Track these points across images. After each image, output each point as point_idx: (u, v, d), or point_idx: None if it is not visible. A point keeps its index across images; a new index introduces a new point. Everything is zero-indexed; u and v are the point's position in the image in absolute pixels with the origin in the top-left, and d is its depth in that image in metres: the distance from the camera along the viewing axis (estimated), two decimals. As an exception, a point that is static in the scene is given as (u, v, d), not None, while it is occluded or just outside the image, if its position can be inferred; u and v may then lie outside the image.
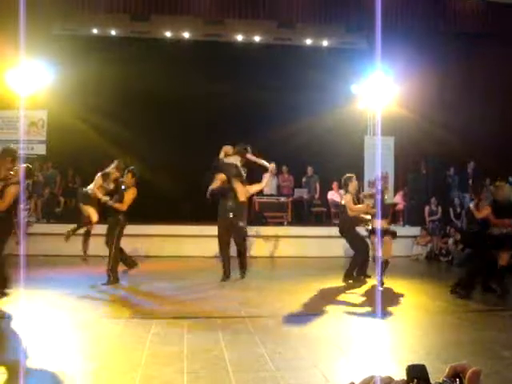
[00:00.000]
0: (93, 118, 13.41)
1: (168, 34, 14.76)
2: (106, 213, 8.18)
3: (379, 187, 8.66)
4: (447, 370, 0.94)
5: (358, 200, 8.76)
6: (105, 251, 7.95)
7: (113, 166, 8.28)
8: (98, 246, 8.42)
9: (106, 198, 7.93)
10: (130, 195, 7.91)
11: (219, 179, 8.48)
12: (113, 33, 14.62)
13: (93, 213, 8.22)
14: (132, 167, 8.22)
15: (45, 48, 12.78)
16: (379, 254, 8.19)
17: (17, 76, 12.40)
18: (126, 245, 11.19)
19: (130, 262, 8.39)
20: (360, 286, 8.25)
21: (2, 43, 11.72)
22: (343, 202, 8.70)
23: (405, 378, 0.95)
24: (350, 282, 8.42)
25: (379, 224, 8.24)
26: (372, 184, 13.17)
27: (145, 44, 14.54)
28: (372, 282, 8.52)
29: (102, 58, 13.51)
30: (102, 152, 13.52)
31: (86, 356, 4.47)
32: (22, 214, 8.36)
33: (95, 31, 14.52)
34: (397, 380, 0.95)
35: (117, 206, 7.84)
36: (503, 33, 13.76)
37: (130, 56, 13.85)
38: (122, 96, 13.75)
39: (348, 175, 8.64)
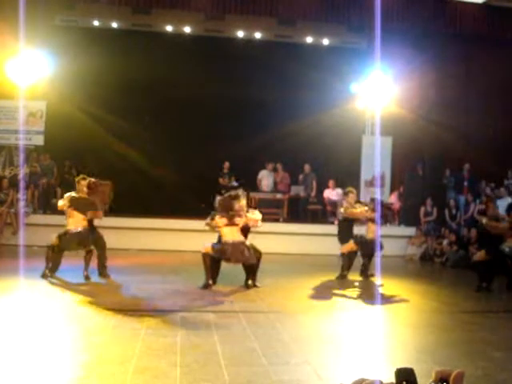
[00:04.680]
0: (92, 110, 13.40)
1: (169, 28, 14.74)
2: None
3: (378, 186, 8.72)
4: (433, 374, 0.98)
5: None
6: None
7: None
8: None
9: None
10: None
11: None
12: (114, 25, 14.60)
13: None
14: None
15: (45, 38, 12.77)
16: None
17: (17, 66, 12.36)
18: (122, 237, 11.19)
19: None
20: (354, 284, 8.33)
21: (3, 33, 11.68)
22: None
23: (394, 380, 0.98)
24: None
25: None
26: (369, 183, 13.20)
27: (145, 37, 14.51)
28: (368, 280, 8.63)
29: (102, 50, 13.49)
30: (100, 143, 13.56)
31: (79, 348, 4.50)
32: (20, 204, 8.40)
33: (96, 23, 14.50)
34: (386, 383, 0.99)
35: None
36: (502, 35, 13.81)
37: (130, 48, 13.85)
38: (122, 88, 13.73)
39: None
